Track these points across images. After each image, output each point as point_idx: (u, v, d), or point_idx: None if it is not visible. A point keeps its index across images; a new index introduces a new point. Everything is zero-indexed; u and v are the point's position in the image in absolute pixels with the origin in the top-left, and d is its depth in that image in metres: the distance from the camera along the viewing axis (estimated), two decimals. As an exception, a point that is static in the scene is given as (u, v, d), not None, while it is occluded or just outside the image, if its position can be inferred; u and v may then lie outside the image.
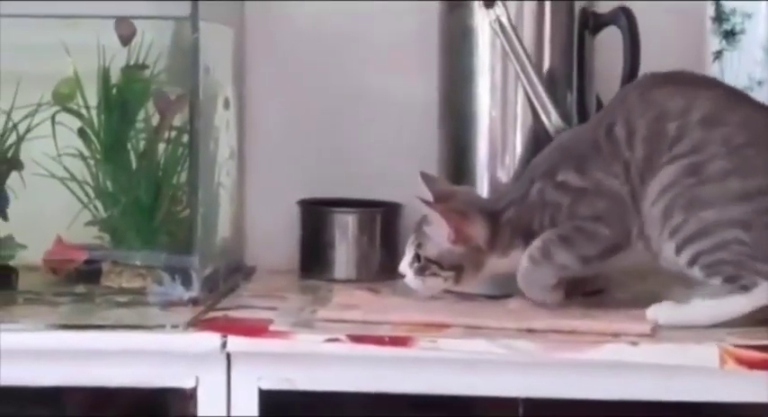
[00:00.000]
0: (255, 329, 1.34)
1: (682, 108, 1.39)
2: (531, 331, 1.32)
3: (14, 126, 1.52)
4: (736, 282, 1.35)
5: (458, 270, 1.42)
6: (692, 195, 1.36)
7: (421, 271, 1.43)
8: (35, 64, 1.55)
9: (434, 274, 1.43)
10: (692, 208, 1.36)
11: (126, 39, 1.51)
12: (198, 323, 1.35)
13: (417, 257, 1.43)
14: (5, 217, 1.53)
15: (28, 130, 1.52)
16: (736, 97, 1.42)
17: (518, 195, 1.44)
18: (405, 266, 1.45)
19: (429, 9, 1.61)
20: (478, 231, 1.43)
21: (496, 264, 1.43)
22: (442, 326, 1.34)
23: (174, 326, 1.33)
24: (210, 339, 1.32)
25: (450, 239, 1.42)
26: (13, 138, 1.52)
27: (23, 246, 1.52)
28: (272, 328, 1.34)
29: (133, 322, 1.34)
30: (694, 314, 1.36)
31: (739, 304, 1.35)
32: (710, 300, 1.36)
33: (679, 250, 1.36)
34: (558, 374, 1.31)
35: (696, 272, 1.36)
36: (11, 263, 1.52)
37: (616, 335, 1.31)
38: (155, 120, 1.53)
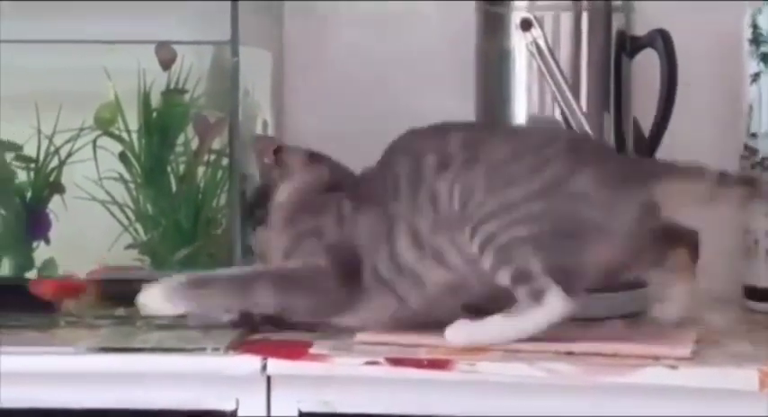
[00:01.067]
0: (295, 352, 1.35)
1: (437, 144, 1.39)
2: (570, 354, 1.33)
3: (56, 150, 1.54)
4: (528, 283, 1.31)
5: None
6: (481, 180, 1.34)
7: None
8: (76, 88, 1.57)
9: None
10: (492, 191, 1.33)
11: (166, 64, 1.53)
12: (238, 346, 1.36)
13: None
14: (47, 241, 1.55)
15: (69, 154, 1.54)
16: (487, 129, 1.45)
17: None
18: None
19: (466, 32, 1.62)
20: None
21: None
22: (480, 349, 1.35)
23: (215, 349, 1.34)
24: (251, 362, 1.33)
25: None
26: (54, 162, 1.54)
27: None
28: (311, 351, 1.35)
29: (174, 345, 1.35)
30: (488, 332, 1.33)
31: (534, 319, 1.31)
32: (506, 318, 1.32)
33: (473, 235, 1.33)
34: (598, 397, 1.31)
35: (487, 261, 1.32)
36: (52, 286, 1.54)
37: (656, 358, 1.31)
38: (194, 144, 1.55)
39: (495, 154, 1.37)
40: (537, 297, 1.32)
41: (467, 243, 1.35)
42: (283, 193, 1.45)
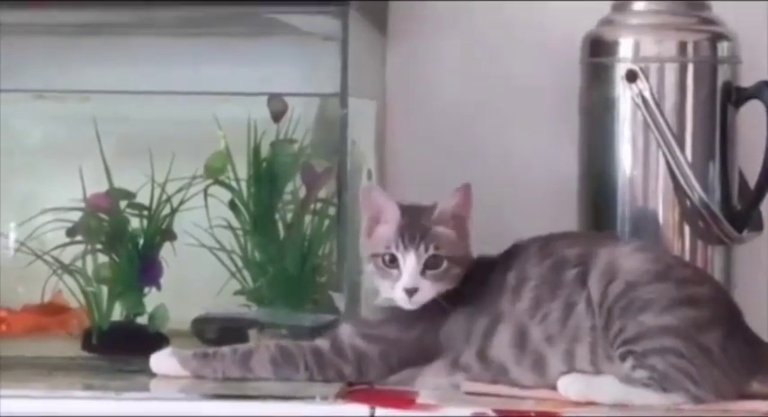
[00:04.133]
0: (403, 401, 1.36)
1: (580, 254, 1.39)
2: (680, 410, 1.33)
3: (168, 198, 1.57)
4: (659, 384, 1.33)
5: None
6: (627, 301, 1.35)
7: (440, 277, 1.40)
8: (189, 137, 1.60)
9: (453, 277, 1.40)
10: (629, 314, 1.35)
11: (278, 116, 1.56)
12: (346, 395, 1.38)
13: (434, 260, 1.39)
14: (159, 287, 1.58)
15: (182, 202, 1.57)
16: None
17: None
18: (414, 278, 1.40)
19: (570, 80, 1.63)
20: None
21: None
22: (588, 403, 1.35)
23: (324, 397, 1.35)
24: (359, 410, 1.34)
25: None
26: (167, 210, 1.57)
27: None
28: (419, 401, 1.36)
29: (284, 393, 1.37)
30: (601, 392, 1.34)
31: (651, 399, 1.33)
32: (623, 384, 1.34)
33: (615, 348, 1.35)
34: (708, 453, 1.31)
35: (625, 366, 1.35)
36: (162, 331, 1.56)
37: None
38: (302, 193, 1.57)
39: (635, 275, 1.37)
40: (664, 390, 1.33)
41: (584, 358, 1.36)
42: None
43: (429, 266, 1.40)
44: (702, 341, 1.34)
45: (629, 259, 1.38)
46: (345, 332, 1.42)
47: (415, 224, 1.41)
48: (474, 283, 1.42)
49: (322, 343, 1.42)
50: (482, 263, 1.44)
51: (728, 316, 1.38)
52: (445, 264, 1.40)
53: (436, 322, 1.41)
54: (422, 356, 1.41)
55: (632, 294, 1.36)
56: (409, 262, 1.40)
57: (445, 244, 1.40)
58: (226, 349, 1.42)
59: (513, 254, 1.43)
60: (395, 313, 1.41)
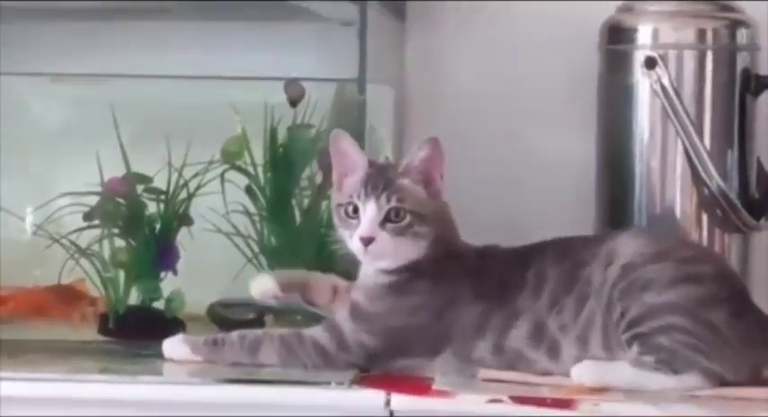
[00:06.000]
0: (419, 388, 1.36)
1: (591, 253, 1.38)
2: (694, 397, 1.32)
3: (186, 183, 1.57)
4: (669, 365, 1.33)
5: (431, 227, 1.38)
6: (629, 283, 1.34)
7: (401, 231, 1.37)
8: (207, 122, 1.60)
9: (416, 234, 1.37)
10: (633, 295, 1.34)
11: (295, 101, 1.56)
12: (362, 381, 1.38)
13: (396, 212, 1.37)
14: (175, 272, 1.57)
15: (198, 187, 1.57)
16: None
17: None
18: (372, 227, 1.36)
19: (588, 69, 1.63)
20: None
21: None
22: (602, 389, 1.35)
23: (340, 383, 1.35)
24: (375, 397, 1.34)
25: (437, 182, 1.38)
26: (183, 195, 1.57)
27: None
28: (435, 387, 1.36)
29: (299, 378, 1.37)
30: (616, 378, 1.33)
31: (664, 383, 1.32)
32: (636, 369, 1.33)
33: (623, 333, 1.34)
34: (723, 440, 1.30)
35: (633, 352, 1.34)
36: (179, 316, 1.56)
37: (781, 402, 1.31)
38: (318, 178, 1.57)
39: (631, 257, 1.36)
40: (675, 371, 1.33)
41: (597, 344, 1.36)
42: None
43: (390, 218, 1.37)
44: (707, 317, 1.33)
45: (626, 244, 1.37)
46: (347, 327, 1.40)
47: (380, 174, 1.38)
48: (487, 277, 1.40)
49: (324, 339, 1.39)
50: (496, 256, 1.42)
51: (734, 295, 1.36)
52: (408, 218, 1.36)
53: (442, 312, 1.39)
54: (429, 346, 1.39)
55: (632, 275, 1.35)
56: (369, 211, 1.36)
57: (410, 198, 1.37)
58: (234, 336, 1.42)
59: (532, 253, 1.41)
60: (395, 300, 1.39)
